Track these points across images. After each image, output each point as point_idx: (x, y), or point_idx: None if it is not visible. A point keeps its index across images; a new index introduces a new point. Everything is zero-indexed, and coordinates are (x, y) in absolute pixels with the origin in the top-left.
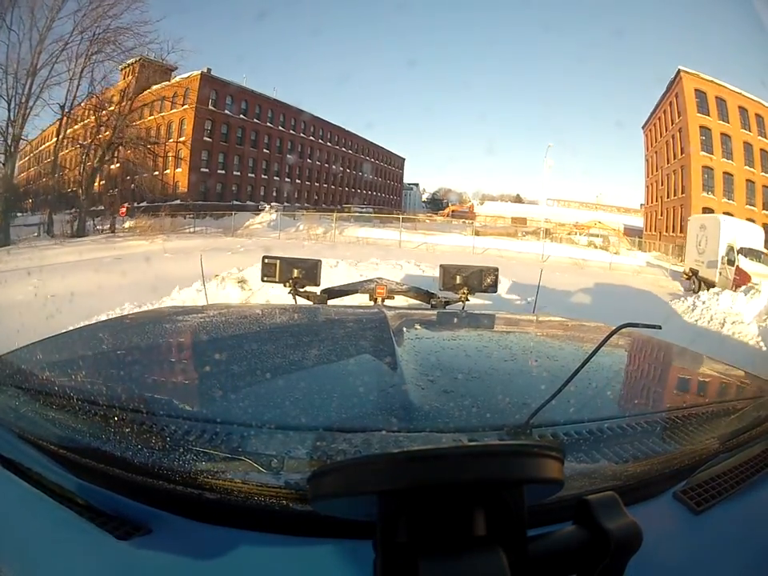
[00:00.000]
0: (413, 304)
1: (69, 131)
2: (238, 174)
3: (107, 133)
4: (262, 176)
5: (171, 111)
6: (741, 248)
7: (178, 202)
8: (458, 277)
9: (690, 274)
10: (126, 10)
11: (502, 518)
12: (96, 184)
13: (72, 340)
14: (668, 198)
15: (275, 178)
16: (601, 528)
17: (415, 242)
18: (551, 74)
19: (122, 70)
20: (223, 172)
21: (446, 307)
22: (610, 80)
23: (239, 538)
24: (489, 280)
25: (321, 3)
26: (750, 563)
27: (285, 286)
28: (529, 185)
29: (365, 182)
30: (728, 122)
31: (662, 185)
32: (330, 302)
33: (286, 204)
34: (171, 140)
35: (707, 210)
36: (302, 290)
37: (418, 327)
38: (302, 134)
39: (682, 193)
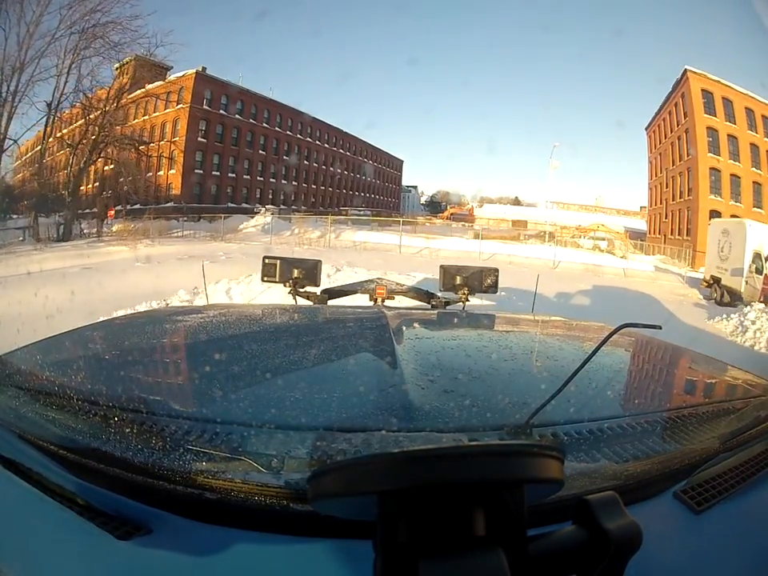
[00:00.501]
0: (413, 304)
1: (56, 130)
2: (234, 175)
3: (94, 131)
4: (258, 178)
5: (165, 111)
6: None
7: (172, 204)
8: (458, 277)
9: (711, 282)
10: (117, 3)
11: (502, 518)
12: (84, 186)
13: (72, 340)
14: (673, 200)
15: (271, 179)
16: (601, 528)
17: (416, 247)
18: (551, 75)
19: (116, 69)
20: (218, 173)
21: (446, 307)
22: (612, 81)
23: (239, 538)
24: (489, 280)
25: (318, 3)
26: (750, 563)
27: (285, 286)
28: (527, 187)
29: (363, 184)
30: (735, 124)
31: (666, 187)
32: (330, 303)
33: (282, 206)
34: (165, 140)
35: (715, 213)
36: (302, 290)
37: (418, 327)
38: (298, 135)
39: (689, 195)
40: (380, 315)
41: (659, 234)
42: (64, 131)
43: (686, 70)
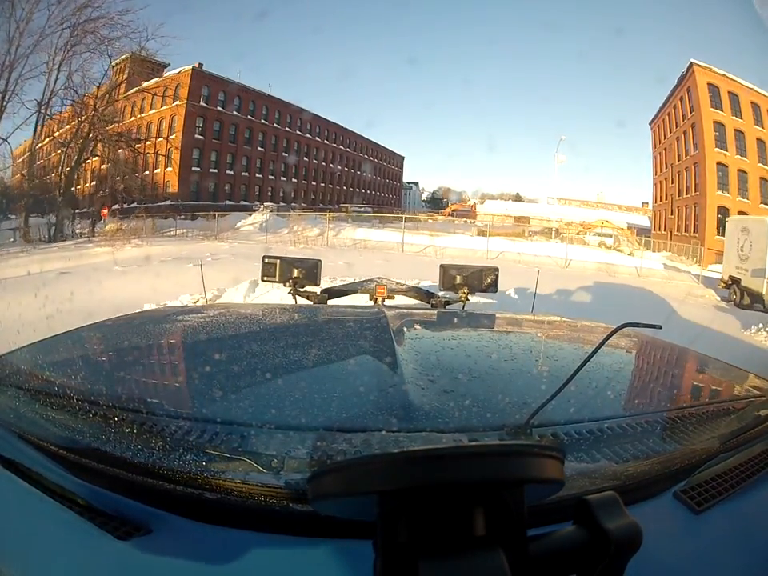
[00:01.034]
0: (413, 304)
1: (47, 128)
2: (232, 173)
3: (85, 129)
4: (257, 175)
5: (161, 108)
6: None
7: (168, 202)
8: (458, 277)
9: (730, 282)
10: None
11: (502, 518)
12: (81, 185)
13: (72, 340)
14: (679, 195)
15: (271, 177)
16: (601, 528)
17: (419, 245)
18: (552, 71)
19: (112, 67)
20: (216, 171)
21: (446, 307)
22: (613, 76)
23: (239, 538)
24: (489, 280)
25: (318, 0)
26: (750, 563)
27: (285, 285)
28: (528, 183)
29: (363, 180)
30: (741, 118)
31: (672, 182)
32: (330, 302)
33: (281, 204)
34: (161, 138)
35: (722, 209)
36: (301, 289)
37: (418, 327)
38: (298, 132)
39: (695, 191)
40: (380, 315)
41: (665, 230)
42: (55, 131)
43: (691, 63)
